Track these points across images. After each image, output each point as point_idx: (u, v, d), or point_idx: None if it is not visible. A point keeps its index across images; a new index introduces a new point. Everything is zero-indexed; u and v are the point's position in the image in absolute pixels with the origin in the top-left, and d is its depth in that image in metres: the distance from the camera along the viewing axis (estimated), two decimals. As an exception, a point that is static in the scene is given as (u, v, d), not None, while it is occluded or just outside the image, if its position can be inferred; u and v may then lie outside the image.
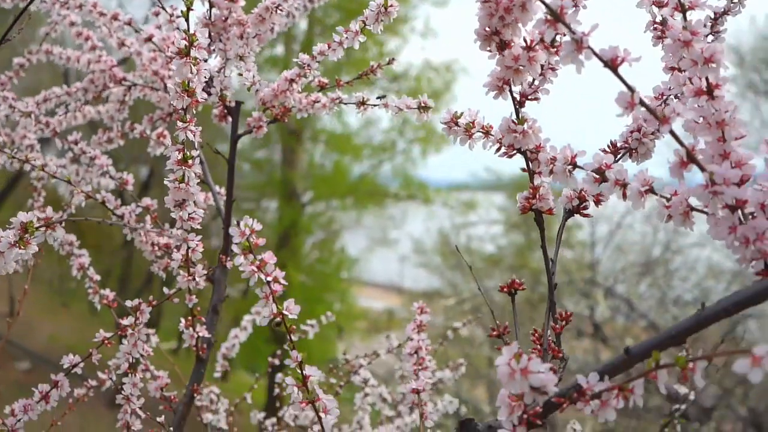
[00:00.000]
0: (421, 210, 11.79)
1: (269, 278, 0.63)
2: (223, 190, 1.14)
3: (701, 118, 0.55)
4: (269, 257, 0.64)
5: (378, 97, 0.93)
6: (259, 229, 0.63)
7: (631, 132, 0.70)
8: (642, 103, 0.51)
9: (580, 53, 0.51)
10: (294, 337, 0.66)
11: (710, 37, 0.73)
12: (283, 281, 0.64)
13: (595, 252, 6.78)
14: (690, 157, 0.52)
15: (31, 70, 1.36)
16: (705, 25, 0.72)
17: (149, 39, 1.06)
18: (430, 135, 12.07)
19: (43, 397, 0.92)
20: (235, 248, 0.63)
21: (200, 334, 0.99)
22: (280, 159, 11.89)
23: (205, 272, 0.92)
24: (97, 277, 1.12)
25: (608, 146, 0.71)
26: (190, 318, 0.98)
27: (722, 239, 0.53)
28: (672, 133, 0.52)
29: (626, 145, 0.70)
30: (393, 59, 1.02)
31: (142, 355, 1.00)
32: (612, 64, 0.52)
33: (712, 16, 0.73)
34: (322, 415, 0.66)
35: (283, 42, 8.98)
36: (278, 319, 0.64)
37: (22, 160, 0.97)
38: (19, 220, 0.68)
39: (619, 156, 0.70)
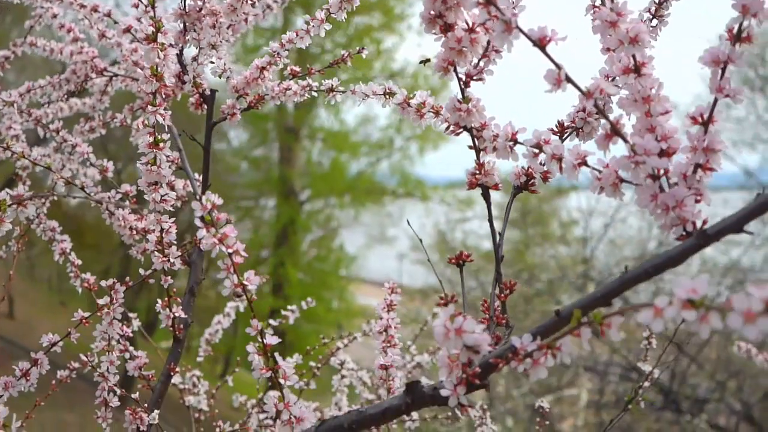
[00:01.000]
0: (419, 207, 11.83)
1: (230, 250, 0.66)
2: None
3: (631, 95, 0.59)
4: (230, 230, 0.67)
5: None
6: (220, 203, 0.66)
7: (577, 112, 0.73)
8: (568, 79, 0.55)
9: (510, 33, 0.55)
10: (252, 306, 0.69)
11: (654, 21, 0.76)
12: (243, 253, 0.67)
13: (589, 246, 6.82)
14: (614, 130, 0.56)
15: (29, 70, 1.39)
16: (649, 10, 0.76)
17: (128, 30, 1.10)
18: (428, 132, 12.10)
19: (24, 375, 0.96)
20: (197, 222, 0.66)
21: (176, 315, 1.02)
22: (277, 157, 11.92)
23: (179, 253, 0.96)
24: (79, 262, 1.16)
25: (555, 126, 0.74)
26: (166, 299, 1.01)
27: (646, 207, 0.56)
28: (597, 107, 0.55)
29: (573, 125, 0.73)
30: (362, 48, 1.06)
31: (121, 335, 1.04)
32: (540, 44, 0.55)
33: (657, 0, 0.76)
34: (282, 381, 0.69)
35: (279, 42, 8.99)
36: (239, 290, 0.68)
37: (3, 147, 1.00)
38: (-7, 197, 0.71)
39: (566, 135, 0.74)
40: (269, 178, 11.73)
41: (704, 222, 0.55)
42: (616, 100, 0.62)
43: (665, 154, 0.57)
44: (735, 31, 0.56)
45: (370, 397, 1.42)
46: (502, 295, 0.69)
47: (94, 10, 1.16)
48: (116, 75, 1.26)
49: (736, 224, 0.51)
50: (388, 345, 0.99)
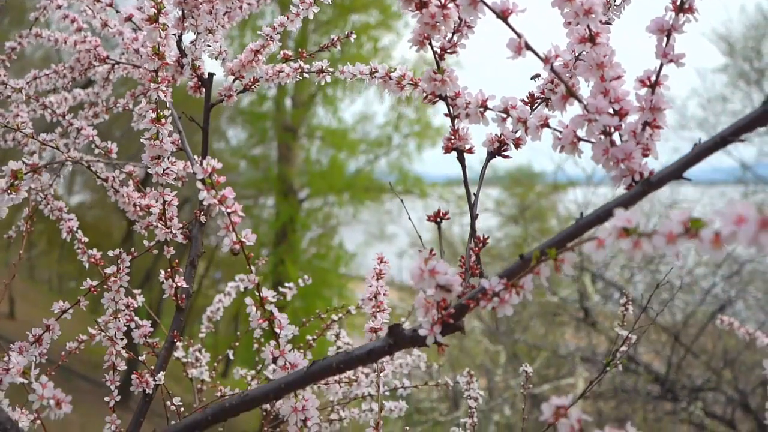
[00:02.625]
0: (418, 204, 11.88)
1: (229, 210, 0.73)
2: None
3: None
4: (229, 192, 0.74)
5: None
6: (219, 167, 0.73)
7: (546, 84, 0.80)
8: (527, 46, 0.61)
9: (475, 7, 0.61)
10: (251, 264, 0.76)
11: (618, 0, 0.82)
12: (241, 213, 0.74)
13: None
14: (569, 92, 0.62)
15: (27, 71, 1.45)
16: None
17: (129, 18, 1.16)
18: (426, 130, 12.18)
19: (36, 340, 1.02)
20: (199, 184, 0.73)
21: (179, 285, 1.09)
22: (276, 156, 11.98)
23: (181, 225, 1.02)
24: (85, 239, 1.22)
25: (527, 96, 0.81)
26: (169, 270, 1.08)
27: (599, 161, 0.63)
28: (553, 70, 0.62)
29: (542, 96, 0.80)
30: (351, 33, 1.12)
31: (126, 305, 1.10)
32: (503, 15, 0.62)
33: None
34: (277, 330, 0.76)
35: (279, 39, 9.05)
36: (237, 246, 0.74)
37: (14, 128, 1.07)
38: (10, 168, 0.78)
39: (536, 105, 0.80)
40: (268, 176, 11.79)
41: (651, 173, 0.61)
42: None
43: (619, 114, 0.64)
44: (678, 2, 0.62)
45: (366, 371, 1.49)
46: (476, 248, 0.75)
47: (97, 0, 1.22)
48: (118, 63, 1.32)
49: (676, 172, 0.58)
50: (378, 310, 1.06)
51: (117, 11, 1.21)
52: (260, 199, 12.55)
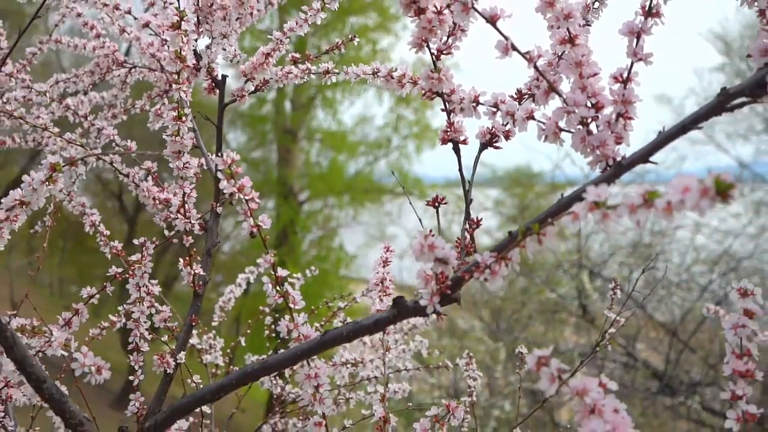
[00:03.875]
0: (417, 205, 11.94)
1: (247, 197, 0.81)
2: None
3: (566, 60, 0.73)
4: (247, 181, 0.82)
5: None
6: (237, 159, 0.81)
7: (532, 80, 0.88)
8: (513, 47, 0.69)
9: (467, 13, 0.69)
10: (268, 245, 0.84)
11: (596, 4, 0.91)
12: (258, 200, 0.82)
13: (581, 233, 6.96)
14: (551, 87, 0.70)
15: (38, 71, 1.54)
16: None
17: (146, 25, 1.24)
18: (425, 131, 12.27)
19: (66, 323, 1.10)
20: (220, 174, 0.81)
21: (197, 272, 1.17)
22: (276, 158, 12.06)
23: (200, 216, 1.11)
24: (107, 232, 1.30)
25: (515, 93, 0.89)
26: (187, 258, 1.16)
27: (578, 148, 0.71)
28: (536, 68, 0.70)
29: (529, 92, 0.88)
30: (354, 36, 1.20)
31: (147, 292, 1.18)
32: (492, 20, 0.70)
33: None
34: (292, 305, 0.84)
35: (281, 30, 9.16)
36: (254, 229, 0.83)
37: (42, 127, 1.15)
38: (48, 161, 0.86)
39: (524, 100, 0.88)
40: (268, 179, 11.86)
41: (622, 158, 0.69)
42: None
43: (595, 107, 0.72)
44: (647, 7, 0.71)
45: (370, 357, 1.57)
46: (471, 229, 0.83)
47: (116, 8, 1.31)
48: (135, 66, 1.41)
49: (643, 156, 0.66)
50: (384, 294, 1.14)
51: (135, 18, 1.29)
52: (260, 201, 12.63)
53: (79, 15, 1.40)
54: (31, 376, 0.76)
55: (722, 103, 0.64)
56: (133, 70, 1.40)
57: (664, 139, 0.65)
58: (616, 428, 0.56)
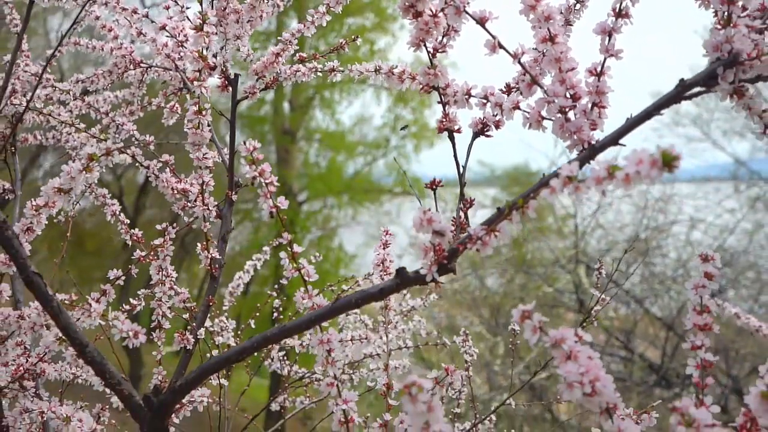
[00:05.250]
0: (416, 204, 12.03)
1: (267, 180, 0.91)
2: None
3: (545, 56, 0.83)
4: (266, 167, 0.92)
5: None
6: (259, 146, 0.91)
7: (519, 75, 0.97)
8: (500, 45, 0.79)
9: (459, 15, 0.79)
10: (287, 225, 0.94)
11: (578, 5, 1.00)
12: (276, 183, 0.92)
13: (578, 228, 7.07)
14: (533, 80, 0.80)
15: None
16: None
17: (163, 28, 1.34)
18: (423, 130, 12.38)
19: (97, 300, 1.19)
20: (242, 160, 0.91)
21: (213, 256, 1.27)
22: (275, 159, 12.17)
23: (216, 203, 1.20)
24: (127, 221, 1.40)
25: (504, 86, 0.99)
26: (205, 242, 1.26)
27: (557, 134, 0.81)
28: (521, 64, 0.80)
29: (516, 85, 0.98)
30: (357, 37, 1.30)
31: (166, 276, 1.28)
32: (481, 21, 0.80)
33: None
34: (306, 278, 0.94)
35: (275, 38, 9.28)
36: (273, 210, 0.92)
37: (69, 123, 1.24)
38: (86, 152, 0.96)
39: (512, 93, 0.98)
40: (267, 178, 11.94)
41: (596, 141, 0.79)
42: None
43: (573, 98, 0.82)
44: (617, 9, 0.81)
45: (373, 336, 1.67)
46: (465, 208, 0.93)
47: (134, 12, 1.40)
48: (150, 66, 1.50)
49: (614, 140, 0.76)
50: (385, 274, 1.24)
51: (152, 21, 1.39)
52: (260, 200, 12.70)
53: (97, 18, 1.50)
54: (75, 341, 0.86)
55: (680, 93, 0.74)
56: (148, 69, 1.50)
57: (631, 124, 0.75)
58: (589, 370, 0.66)
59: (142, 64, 1.51)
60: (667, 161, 0.56)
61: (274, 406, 1.69)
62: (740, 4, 0.73)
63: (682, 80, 0.73)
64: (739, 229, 8.17)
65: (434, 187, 0.97)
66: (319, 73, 1.27)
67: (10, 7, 1.56)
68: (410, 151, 12.74)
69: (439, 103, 0.94)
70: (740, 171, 9.01)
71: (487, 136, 0.97)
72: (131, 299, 1.36)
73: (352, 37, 1.30)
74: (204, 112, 1.06)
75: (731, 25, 0.72)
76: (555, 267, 6.70)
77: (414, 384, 0.63)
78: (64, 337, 0.98)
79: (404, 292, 1.92)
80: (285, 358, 1.67)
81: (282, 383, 1.61)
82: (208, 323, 1.63)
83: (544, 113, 0.83)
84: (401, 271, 0.86)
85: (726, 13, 0.72)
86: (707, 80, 0.72)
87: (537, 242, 9.31)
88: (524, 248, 8.94)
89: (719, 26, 0.73)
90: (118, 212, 1.41)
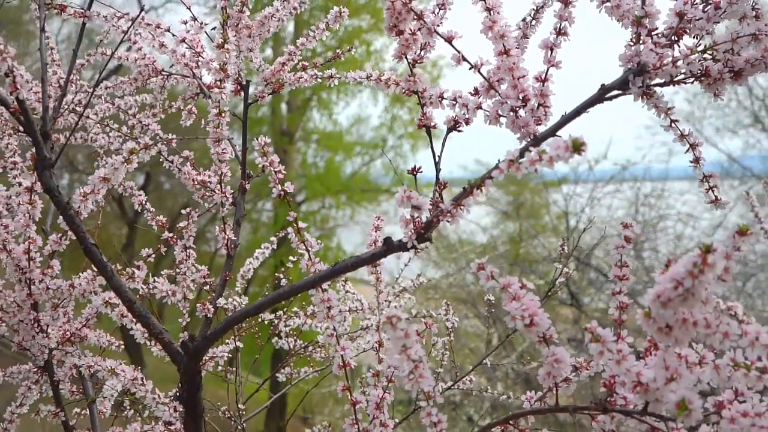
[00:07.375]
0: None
1: (276, 169, 1.12)
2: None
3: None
4: (275, 158, 1.13)
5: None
6: (269, 141, 1.11)
7: (483, 82, 1.18)
8: (463, 58, 1.00)
9: (431, 35, 1.00)
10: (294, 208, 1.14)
11: (533, 21, 1.21)
12: (283, 171, 1.13)
13: (569, 223, 7.28)
14: (490, 86, 1.01)
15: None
16: (529, 14, 1.21)
17: (183, 40, 1.55)
18: (420, 130, 12.56)
19: (131, 277, 1.40)
20: (255, 153, 1.11)
21: (229, 237, 1.48)
22: (273, 160, 12.35)
23: (233, 191, 1.41)
24: (152, 209, 1.61)
25: (473, 89, 1.19)
26: (222, 225, 1.46)
27: (510, 128, 1.02)
28: (480, 73, 1.01)
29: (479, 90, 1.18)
30: (352, 46, 1.51)
31: (188, 256, 1.48)
32: (449, 40, 1.00)
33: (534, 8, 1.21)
34: (309, 248, 1.14)
35: (272, 43, 9.48)
36: (282, 193, 1.13)
37: (96, 121, 1.45)
38: (126, 147, 1.16)
39: (476, 96, 1.19)
40: (266, 181, 12.11)
41: (540, 133, 1.00)
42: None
43: (523, 99, 1.03)
44: (557, 29, 1.01)
45: (370, 317, 1.88)
46: (439, 189, 1.14)
47: (158, 26, 1.61)
48: (171, 74, 1.71)
49: (552, 132, 0.97)
50: (377, 251, 1.44)
51: (173, 35, 1.59)
52: (258, 203, 12.90)
53: (124, 33, 1.70)
54: (125, 298, 1.06)
55: (602, 95, 0.95)
56: (169, 77, 1.71)
57: (564, 120, 0.96)
58: (528, 308, 0.87)
59: (163, 72, 1.72)
60: (576, 147, 0.77)
61: (281, 377, 1.89)
62: (647, 26, 0.93)
63: (603, 85, 0.94)
64: (729, 223, 8.38)
65: (415, 173, 1.17)
66: (319, 80, 1.48)
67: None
68: (407, 150, 12.93)
69: (417, 104, 1.14)
70: (732, 167, 9.23)
71: (459, 131, 1.18)
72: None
73: (347, 48, 1.51)
74: (223, 114, 1.27)
75: (640, 42, 0.93)
76: (547, 262, 6.91)
77: (394, 316, 0.84)
78: (109, 301, 1.19)
79: (397, 276, 2.14)
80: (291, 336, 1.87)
81: (287, 359, 1.82)
82: (221, 301, 1.84)
83: (500, 112, 1.04)
84: (387, 240, 1.07)
85: (636, 33, 0.93)
86: (622, 85, 0.93)
87: (533, 240, 9.52)
88: (519, 246, 9.16)
89: (631, 43, 0.94)
90: (144, 202, 1.61)
